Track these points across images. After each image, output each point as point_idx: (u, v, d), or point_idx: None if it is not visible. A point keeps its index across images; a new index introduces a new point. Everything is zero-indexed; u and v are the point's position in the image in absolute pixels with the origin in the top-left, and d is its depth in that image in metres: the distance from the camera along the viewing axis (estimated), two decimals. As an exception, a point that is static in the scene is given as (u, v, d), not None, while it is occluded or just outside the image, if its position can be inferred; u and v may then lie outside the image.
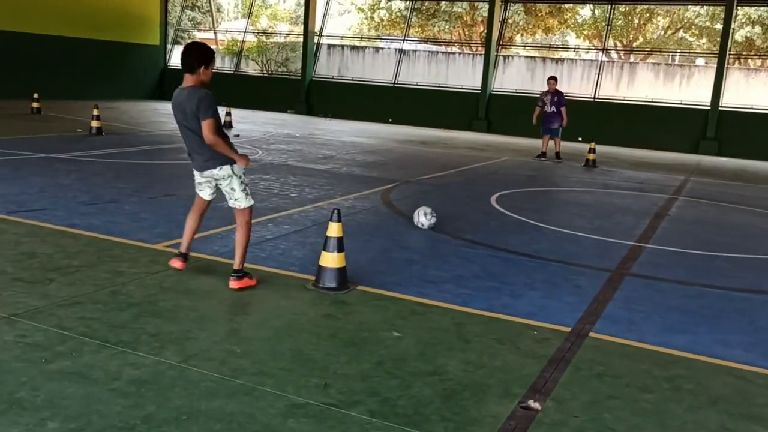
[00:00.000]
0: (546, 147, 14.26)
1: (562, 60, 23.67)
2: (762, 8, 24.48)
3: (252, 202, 4.58)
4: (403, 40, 25.39)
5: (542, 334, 4.08)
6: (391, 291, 4.68)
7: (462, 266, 5.46)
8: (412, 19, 28.02)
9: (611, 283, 5.28)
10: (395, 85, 23.23)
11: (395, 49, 24.72)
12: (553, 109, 13.88)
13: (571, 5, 28.48)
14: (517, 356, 3.72)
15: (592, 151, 13.75)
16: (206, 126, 4.22)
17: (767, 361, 3.91)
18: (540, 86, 22.30)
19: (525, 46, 29.91)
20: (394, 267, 5.34)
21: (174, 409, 2.85)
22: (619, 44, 31.99)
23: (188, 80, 4.36)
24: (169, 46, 26.23)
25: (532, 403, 3.16)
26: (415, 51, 24.93)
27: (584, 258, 6.06)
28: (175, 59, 26.60)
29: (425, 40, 29.53)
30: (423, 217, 6.60)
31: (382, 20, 31.82)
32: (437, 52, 25.63)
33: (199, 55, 4.33)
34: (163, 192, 7.35)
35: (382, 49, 26.03)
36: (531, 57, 24.68)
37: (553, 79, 14.23)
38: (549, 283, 5.20)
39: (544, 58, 23.80)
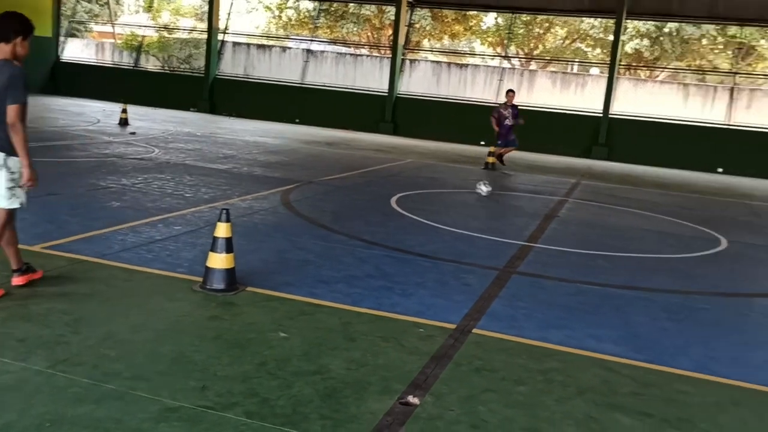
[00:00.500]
0: (499, 153, 14.41)
1: (466, 66, 24.26)
2: (649, 22, 25.99)
3: (15, 205, 4.07)
4: (311, 40, 25.31)
5: (428, 332, 4.18)
6: (282, 292, 4.66)
7: (356, 266, 5.51)
8: (321, 20, 28.00)
9: (498, 282, 5.46)
10: (302, 86, 23.12)
11: (303, 49, 24.58)
12: (514, 121, 14.10)
13: (476, 12, 29.24)
14: (401, 353, 3.79)
15: (491, 154, 14.17)
16: (13, 110, 3.85)
17: (634, 353, 4.16)
18: (445, 90, 22.83)
19: (432, 51, 30.50)
20: (288, 268, 5.32)
21: (37, 417, 2.73)
22: (520, 52, 33.12)
23: (1, 51, 3.98)
24: (62, 39, 25.02)
25: (410, 399, 3.23)
26: (323, 52, 24.88)
27: (476, 257, 6.25)
28: (68, 52, 25.41)
29: (334, 42, 29.55)
30: (482, 186, 8.33)
31: (290, 20, 31.58)
32: (345, 53, 25.69)
33: (16, 23, 4.01)
34: (46, 191, 7.02)
35: (290, 48, 25.81)
36: (437, 62, 25.14)
37: (511, 92, 14.49)
38: (440, 282, 5.32)
39: (449, 63, 24.31)
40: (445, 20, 29.72)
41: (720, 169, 19.09)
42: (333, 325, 4.14)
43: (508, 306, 4.87)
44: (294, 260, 5.56)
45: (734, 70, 22.63)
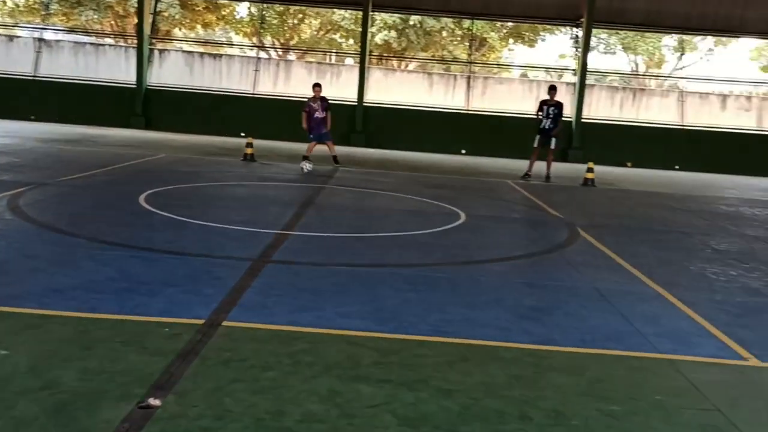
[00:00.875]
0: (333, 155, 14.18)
1: (220, 56, 23.76)
2: (395, 15, 27.58)
3: None
4: (43, 28, 22.95)
5: (174, 330, 4.03)
6: (4, 306, 4.18)
7: (96, 270, 5.12)
8: (54, 7, 25.51)
9: (252, 272, 5.44)
10: (36, 78, 20.93)
11: (34, 38, 22.22)
12: (323, 114, 13.63)
13: (227, 2, 28.72)
14: (143, 356, 3.60)
15: (249, 145, 14.07)
16: None
17: (379, 325, 4.40)
18: (200, 81, 22.15)
19: (185, 41, 29.36)
20: (13, 278, 4.79)
21: None
22: (277, 43, 33.23)
23: None
24: None
25: (151, 401, 3.09)
26: (58, 41, 22.73)
27: (229, 250, 6.16)
28: None
29: (72, 30, 27.12)
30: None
31: (17, 6, 28.35)
32: (86, 43, 23.73)
33: None
34: None
35: (19, 38, 23.20)
36: (190, 52, 24.29)
37: (318, 86, 13.87)
38: (190, 278, 5.16)
39: (203, 54, 23.61)
40: (196, 9, 28.79)
41: (463, 151, 20.93)
42: (66, 335, 3.81)
43: (260, 295, 4.87)
44: (20, 270, 5.01)
45: (470, 60, 24.86)
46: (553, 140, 14.50)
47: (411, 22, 29.50)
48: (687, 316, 5.10)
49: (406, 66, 32.54)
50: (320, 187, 10.76)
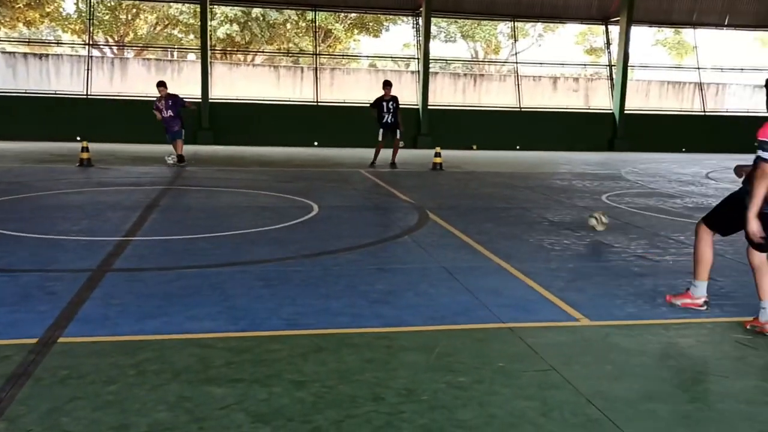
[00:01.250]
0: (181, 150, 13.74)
1: (47, 56, 22.09)
2: (236, 8, 26.97)
3: None
4: None
5: (3, 353, 3.72)
6: None
7: None
8: None
9: (90, 283, 5.13)
10: None
11: None
12: (170, 113, 13.25)
13: (51, -3, 26.77)
14: (-34, 385, 3.30)
15: (85, 149, 13.24)
16: None
17: (231, 325, 4.31)
18: (25, 84, 20.50)
19: (6, 41, 27.00)
20: None
21: None
22: (110, 40, 31.43)
23: None
24: None
25: (-25, 433, 2.84)
26: None
27: (64, 262, 5.78)
28: None
29: None
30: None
31: None
32: None
33: None
34: None
35: None
36: (12, 53, 22.39)
37: (162, 85, 13.47)
38: (20, 295, 4.78)
39: (26, 54, 21.83)
40: (16, 6, 26.56)
41: (315, 143, 20.95)
42: None
43: (101, 306, 4.61)
44: None
45: (317, 53, 24.88)
46: (398, 132, 14.83)
47: (253, 15, 29.01)
48: (526, 286, 5.44)
49: (252, 60, 32.00)
50: (165, 189, 10.34)
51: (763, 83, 4.72)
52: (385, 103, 14.68)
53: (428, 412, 3.20)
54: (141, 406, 3.15)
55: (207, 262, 5.90)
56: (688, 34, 33.79)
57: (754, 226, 4.27)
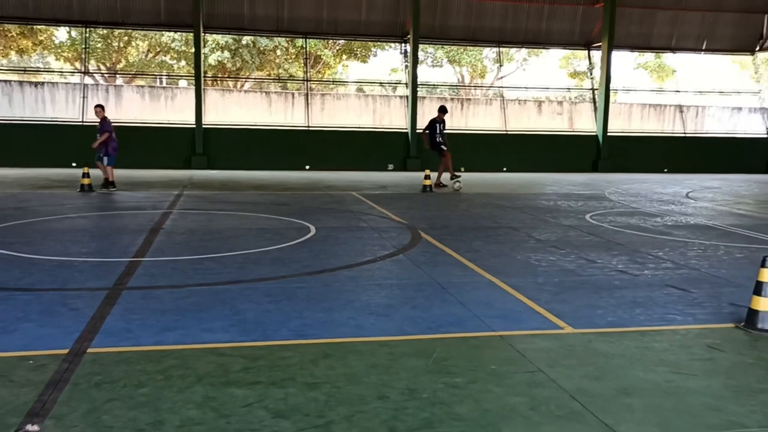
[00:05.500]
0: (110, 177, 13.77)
1: (42, 84, 22.46)
2: (227, 36, 27.53)
3: None
4: None
5: (39, 362, 4.07)
6: None
7: (-61, 315, 4.95)
8: None
9: (109, 300, 5.49)
10: None
11: None
12: (98, 135, 13.37)
13: (44, 26, 27.18)
14: (11, 389, 3.64)
15: (86, 175, 13.58)
16: None
17: (243, 336, 4.68)
18: (21, 112, 20.84)
19: (5, 70, 27.39)
20: None
21: None
22: (102, 67, 31.87)
23: None
24: None
25: (29, 427, 3.19)
26: None
27: (82, 282, 6.13)
28: None
29: None
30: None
31: None
32: None
33: None
34: None
35: None
36: (6, 81, 22.74)
37: (98, 107, 13.70)
38: (45, 312, 5.12)
39: (21, 82, 22.20)
40: (9, 35, 26.98)
41: (307, 167, 21.38)
42: None
43: (122, 320, 4.97)
44: None
45: (307, 78, 25.41)
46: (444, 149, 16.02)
47: (244, 42, 29.58)
48: (515, 298, 5.85)
49: (243, 86, 32.52)
50: (167, 213, 10.70)
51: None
52: (438, 125, 15.91)
53: (429, 407, 3.59)
54: (171, 405, 3.52)
55: (215, 281, 6.27)
56: (668, 58, 34.75)
57: None
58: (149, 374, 3.92)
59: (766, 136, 24.83)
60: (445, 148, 15.98)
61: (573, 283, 6.49)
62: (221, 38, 28.38)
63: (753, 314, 5.03)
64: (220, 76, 30.89)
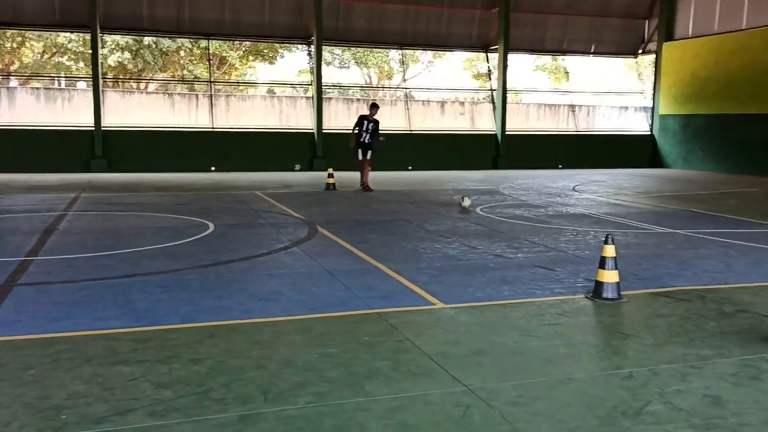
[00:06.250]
0: None
1: (-73, 85, 21.37)
2: (127, 36, 26.99)
3: None
4: None
5: (-75, 353, 4.20)
6: None
7: None
8: None
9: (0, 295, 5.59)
10: None
11: None
12: None
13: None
14: None
15: (-24, 179, 13.19)
16: None
17: (134, 322, 4.94)
18: None
19: None
20: None
21: None
22: (-6, 68, 30.51)
23: None
24: None
25: None
26: None
27: (-29, 280, 6.16)
28: None
29: None
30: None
31: None
32: None
33: None
34: None
35: None
36: None
37: None
38: (-68, 309, 5.19)
39: None
40: None
41: (213, 168, 21.33)
42: None
43: (13, 313, 5.12)
44: None
45: (212, 79, 25.25)
46: (369, 152, 15.99)
47: (146, 43, 29.06)
48: (396, 281, 6.34)
49: (146, 88, 31.90)
50: (62, 214, 10.61)
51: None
52: (365, 122, 15.88)
53: (302, 373, 3.99)
54: (59, 383, 3.77)
55: (109, 275, 6.45)
56: (564, 60, 36.62)
57: None
58: (38, 358, 4.14)
59: (649, 133, 26.66)
60: (369, 152, 15.87)
61: (452, 267, 7.05)
62: (121, 39, 27.78)
63: (599, 286, 5.72)
64: (121, 77, 30.21)
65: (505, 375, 4.01)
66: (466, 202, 11.88)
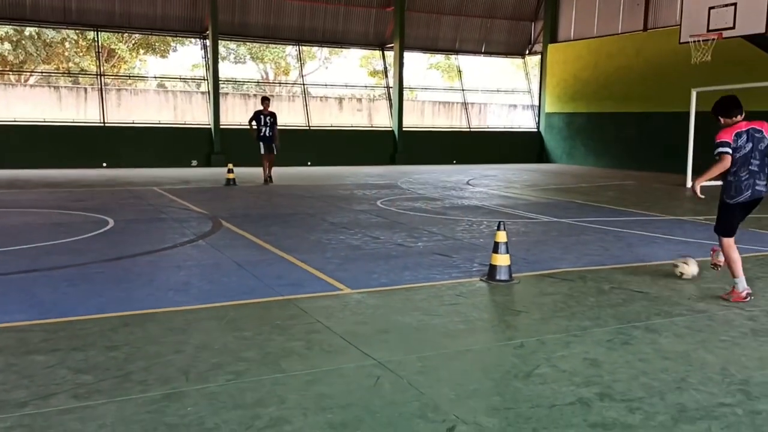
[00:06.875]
0: None
1: None
2: (7, 26, 25.53)
3: None
4: None
5: None
6: None
7: None
8: None
9: None
10: None
11: None
12: None
13: None
14: None
15: None
16: None
17: (42, 315, 4.92)
18: None
19: None
20: None
21: None
22: None
23: None
24: None
25: None
26: None
27: None
28: None
29: None
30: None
31: None
32: None
33: None
34: None
35: None
36: None
37: None
38: None
39: None
40: None
41: (105, 164, 20.63)
42: None
43: None
44: None
45: (100, 72, 24.34)
46: (275, 147, 16.31)
47: (27, 33, 27.57)
48: (304, 270, 6.59)
49: (27, 80, 30.24)
50: (-54, 212, 10.10)
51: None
52: (263, 117, 16.00)
53: (219, 355, 4.18)
54: (-27, 373, 3.77)
55: (8, 271, 6.30)
56: (456, 59, 37.85)
57: (696, 187, 5.65)
58: (-54, 351, 4.10)
59: (536, 130, 28.11)
60: (272, 145, 16.18)
61: (356, 256, 7.37)
62: (0, 29, 26.22)
63: (492, 269, 6.21)
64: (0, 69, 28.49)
65: (411, 349, 4.37)
66: (692, 269, 6.43)
